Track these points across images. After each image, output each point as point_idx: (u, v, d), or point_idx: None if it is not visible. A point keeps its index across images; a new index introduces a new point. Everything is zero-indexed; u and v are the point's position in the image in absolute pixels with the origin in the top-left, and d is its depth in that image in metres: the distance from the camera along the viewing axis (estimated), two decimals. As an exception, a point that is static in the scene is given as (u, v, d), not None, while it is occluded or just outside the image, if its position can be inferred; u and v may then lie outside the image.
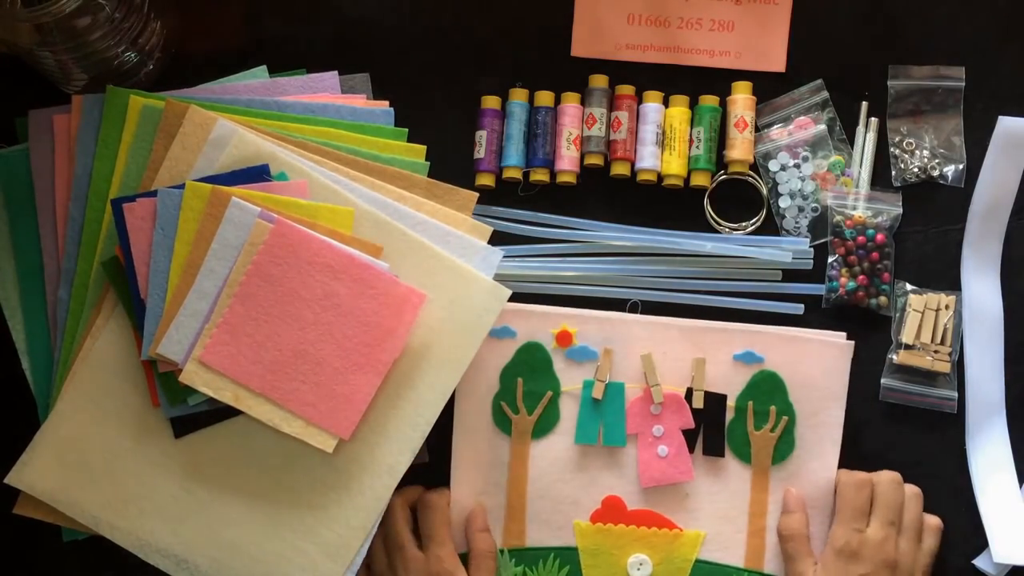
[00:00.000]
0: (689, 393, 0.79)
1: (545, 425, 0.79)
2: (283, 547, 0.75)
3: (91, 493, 0.75)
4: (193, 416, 0.75)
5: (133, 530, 0.75)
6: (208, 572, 0.75)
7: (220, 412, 0.75)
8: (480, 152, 0.81)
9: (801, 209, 0.81)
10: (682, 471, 0.78)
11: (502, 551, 0.78)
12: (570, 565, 0.78)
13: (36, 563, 0.80)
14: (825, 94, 0.81)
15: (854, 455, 0.79)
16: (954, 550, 0.79)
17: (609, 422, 0.79)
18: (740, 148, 0.80)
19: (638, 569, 0.78)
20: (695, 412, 0.79)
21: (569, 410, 0.79)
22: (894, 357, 0.80)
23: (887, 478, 0.77)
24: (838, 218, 0.80)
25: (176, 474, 0.75)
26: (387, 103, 0.81)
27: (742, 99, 0.81)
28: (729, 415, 0.79)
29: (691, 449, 0.79)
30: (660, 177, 0.82)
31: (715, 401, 0.79)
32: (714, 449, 0.79)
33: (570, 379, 0.80)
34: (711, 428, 0.79)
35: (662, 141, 0.81)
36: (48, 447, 0.75)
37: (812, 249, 0.80)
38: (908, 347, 0.80)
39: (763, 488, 0.79)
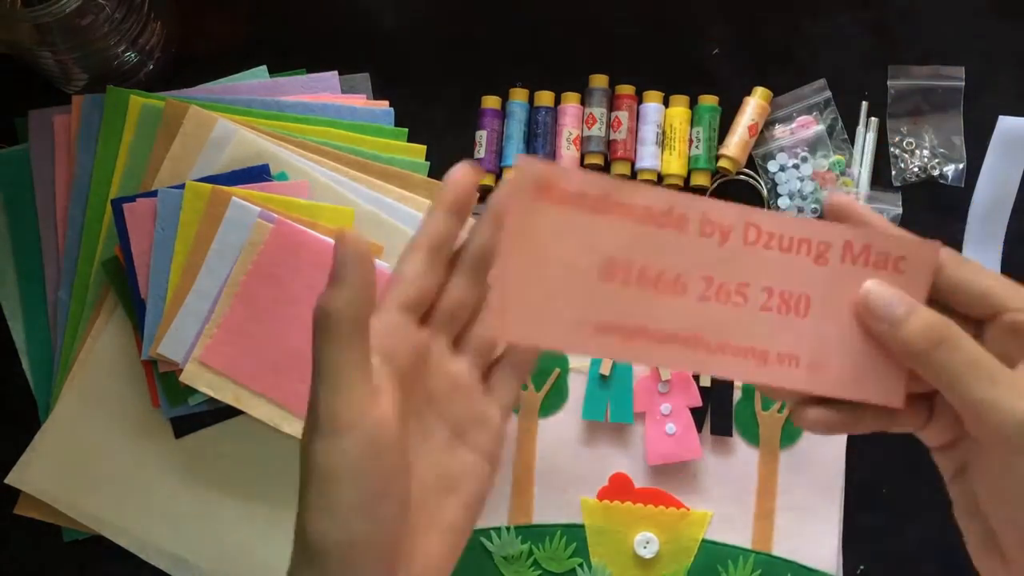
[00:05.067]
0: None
1: (553, 402, 0.79)
2: (283, 547, 0.75)
3: (91, 493, 0.75)
4: (193, 416, 0.75)
5: (133, 530, 0.75)
6: (208, 572, 0.75)
7: (220, 412, 0.75)
8: (480, 152, 0.81)
9: (801, 209, 0.81)
10: (690, 449, 0.78)
11: (508, 528, 0.78)
12: (577, 542, 0.78)
13: (36, 563, 0.80)
14: (827, 93, 0.81)
15: (854, 454, 0.79)
16: (955, 550, 0.79)
17: (616, 399, 0.79)
18: (735, 148, 0.80)
19: (645, 547, 0.78)
20: (702, 391, 0.79)
21: (577, 388, 0.79)
22: (894, 357, 0.80)
23: None
24: (838, 218, 0.80)
25: (176, 474, 0.75)
26: (387, 103, 0.81)
27: (761, 105, 0.80)
28: (736, 396, 0.79)
29: (699, 428, 0.79)
30: (660, 177, 0.82)
31: (722, 380, 0.79)
32: (722, 429, 0.79)
33: (578, 357, 0.80)
34: (718, 407, 0.79)
35: (662, 141, 0.81)
36: (48, 447, 0.75)
37: (812, 249, 0.80)
38: (908, 347, 0.80)
39: (772, 470, 0.78)
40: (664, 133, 0.81)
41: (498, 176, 0.82)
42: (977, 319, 0.45)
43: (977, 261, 0.45)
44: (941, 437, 0.47)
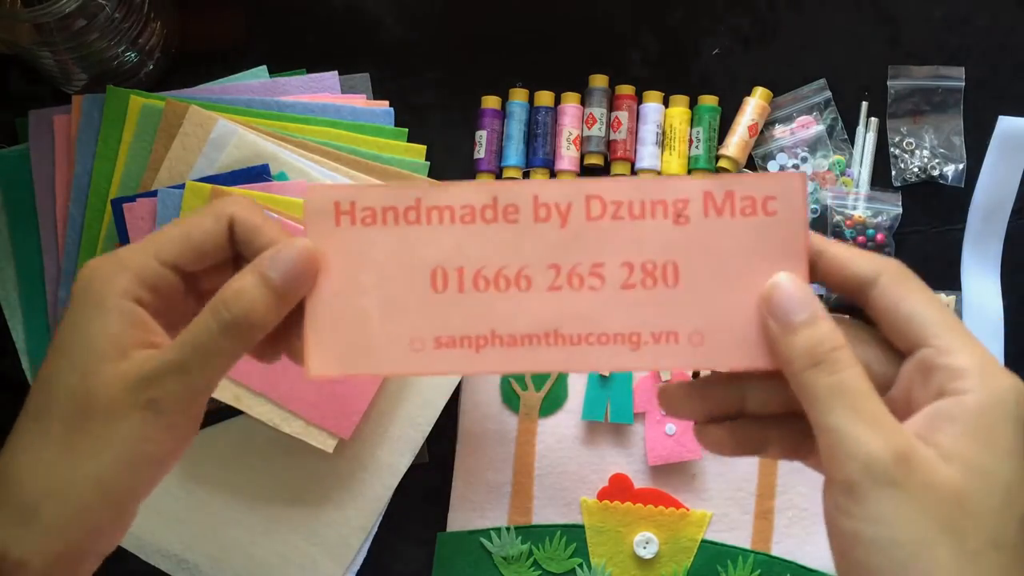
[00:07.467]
0: (696, 373, 0.79)
1: (553, 402, 0.79)
2: (283, 547, 0.75)
3: (91, 493, 0.75)
4: (193, 416, 0.75)
5: (133, 530, 0.75)
6: (208, 572, 0.75)
7: (220, 412, 0.75)
8: (480, 152, 0.81)
9: (801, 209, 0.81)
10: (689, 449, 0.78)
11: (508, 528, 0.78)
12: (576, 542, 0.78)
13: (36, 563, 0.80)
14: (828, 93, 0.81)
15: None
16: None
17: (616, 399, 0.79)
18: (735, 148, 0.80)
19: (644, 547, 0.78)
20: None
21: (577, 388, 0.79)
22: (894, 357, 0.80)
23: None
24: (838, 218, 0.80)
25: (176, 474, 0.75)
26: (387, 103, 0.81)
27: (761, 105, 0.80)
28: None
29: None
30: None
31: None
32: None
33: None
34: None
35: (662, 141, 0.81)
36: (48, 447, 0.75)
37: (812, 249, 0.80)
38: (908, 347, 0.80)
39: (771, 471, 0.78)
40: (664, 133, 0.81)
41: (498, 176, 0.82)
42: (903, 352, 0.39)
43: (924, 288, 0.39)
44: None
